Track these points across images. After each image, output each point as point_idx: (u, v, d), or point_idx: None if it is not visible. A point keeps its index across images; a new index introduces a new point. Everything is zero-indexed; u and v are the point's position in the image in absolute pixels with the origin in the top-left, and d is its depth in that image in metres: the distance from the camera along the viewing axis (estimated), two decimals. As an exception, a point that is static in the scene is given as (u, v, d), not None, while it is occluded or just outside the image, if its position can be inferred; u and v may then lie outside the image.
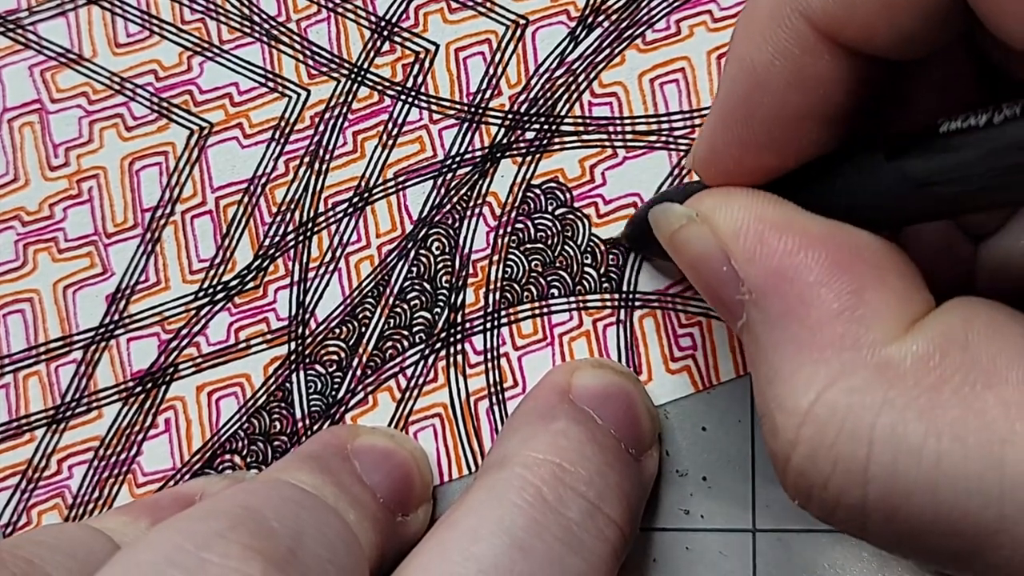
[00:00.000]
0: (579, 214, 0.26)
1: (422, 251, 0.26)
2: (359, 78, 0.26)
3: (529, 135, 0.26)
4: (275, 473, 0.22)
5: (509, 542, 0.19)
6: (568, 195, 0.26)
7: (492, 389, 0.25)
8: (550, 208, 0.26)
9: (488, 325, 0.25)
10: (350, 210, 0.26)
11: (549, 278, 0.25)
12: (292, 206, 0.26)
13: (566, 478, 0.21)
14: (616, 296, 0.25)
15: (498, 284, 0.25)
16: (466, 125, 0.26)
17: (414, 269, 0.26)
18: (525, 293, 0.25)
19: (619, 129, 0.26)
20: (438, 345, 0.25)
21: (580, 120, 0.26)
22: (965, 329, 0.16)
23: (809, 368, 0.17)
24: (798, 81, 0.17)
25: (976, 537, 0.15)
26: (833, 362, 0.16)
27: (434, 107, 0.26)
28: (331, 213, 0.26)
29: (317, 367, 0.25)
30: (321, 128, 0.26)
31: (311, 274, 0.26)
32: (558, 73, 0.26)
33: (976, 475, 0.15)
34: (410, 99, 0.26)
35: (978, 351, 0.16)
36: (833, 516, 0.17)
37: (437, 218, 0.26)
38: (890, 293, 0.17)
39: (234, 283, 0.26)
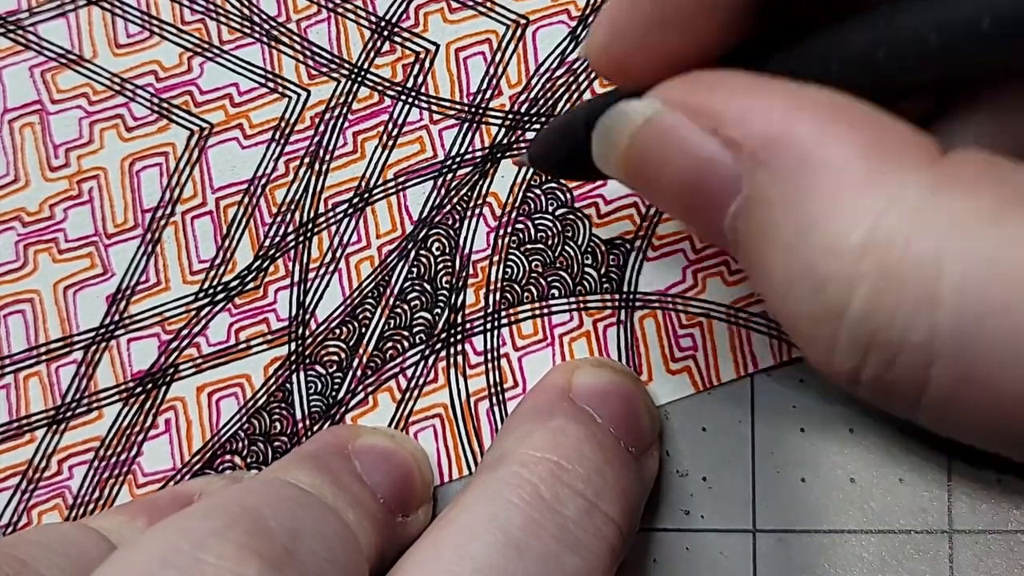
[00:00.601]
0: (579, 214, 0.25)
1: (422, 252, 0.26)
2: (359, 78, 0.26)
3: (530, 135, 0.26)
4: (274, 472, 0.22)
5: (504, 540, 0.19)
6: (568, 195, 0.26)
7: (492, 390, 0.25)
8: (550, 208, 0.26)
9: (488, 326, 0.25)
10: (350, 211, 0.26)
11: (549, 278, 0.25)
12: (292, 207, 0.26)
13: (564, 476, 0.20)
14: (616, 296, 0.25)
15: (498, 284, 0.25)
16: (466, 125, 0.26)
17: (414, 270, 0.26)
18: (525, 294, 0.25)
19: (619, 129, 0.26)
20: (438, 346, 0.25)
21: (580, 120, 0.26)
22: (987, 164, 0.15)
23: (854, 203, 0.15)
24: None
25: None
26: (879, 191, 0.15)
27: (434, 107, 0.26)
28: (331, 214, 0.26)
29: (317, 368, 0.25)
30: (321, 128, 0.26)
31: (311, 275, 0.26)
32: (559, 73, 0.26)
33: None
34: (410, 99, 0.26)
35: (1017, 181, 0.15)
36: (893, 368, 0.15)
37: (437, 218, 0.26)
38: (907, 130, 0.16)
39: (234, 284, 0.26)
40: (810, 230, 0.15)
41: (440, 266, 0.26)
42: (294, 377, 0.25)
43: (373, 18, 0.26)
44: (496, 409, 0.25)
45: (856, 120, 0.16)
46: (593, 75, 0.26)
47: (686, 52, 0.17)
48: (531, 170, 0.26)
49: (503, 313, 0.25)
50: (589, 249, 0.25)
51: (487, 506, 0.20)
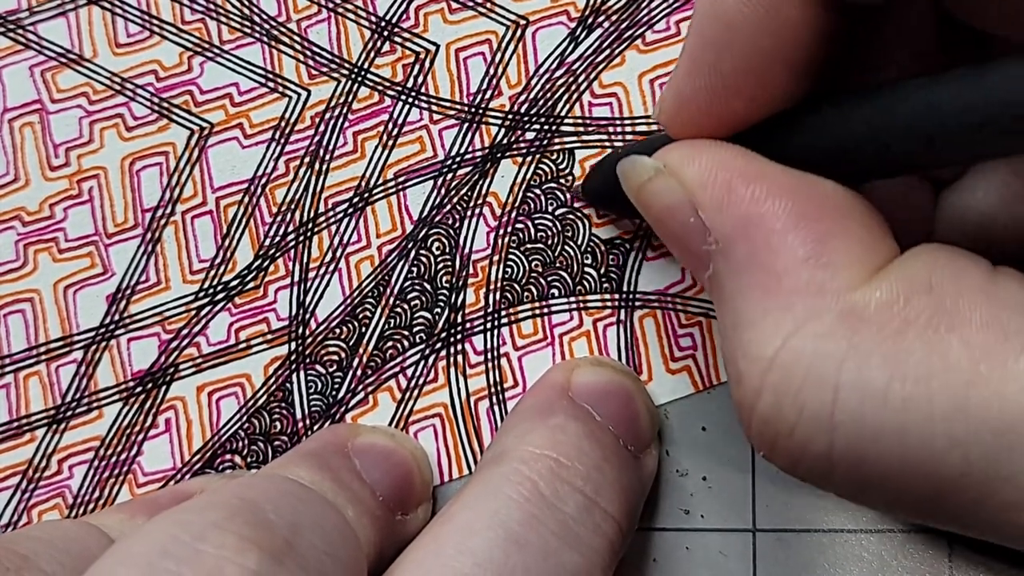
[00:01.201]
0: (579, 214, 0.26)
1: (422, 251, 0.26)
2: (359, 78, 0.26)
3: (529, 135, 0.26)
4: (274, 469, 0.22)
5: (504, 535, 0.19)
6: (568, 195, 0.26)
7: (492, 389, 0.25)
8: (550, 208, 0.26)
9: (488, 325, 0.25)
10: (350, 210, 0.26)
11: (549, 278, 0.25)
12: (292, 206, 0.26)
13: (563, 473, 0.20)
14: (616, 296, 0.25)
15: (498, 284, 0.26)
16: (466, 125, 0.26)
17: (414, 269, 0.26)
18: (525, 293, 0.25)
19: (619, 130, 0.26)
20: (438, 345, 0.25)
21: (580, 121, 0.26)
22: (928, 274, 0.16)
23: (775, 315, 0.17)
24: (768, 25, 0.17)
25: (942, 481, 0.15)
26: (798, 308, 0.16)
27: (434, 107, 0.26)
28: (331, 213, 0.26)
29: (317, 367, 0.25)
30: (321, 128, 0.26)
31: (311, 274, 0.26)
32: (558, 73, 0.26)
33: (942, 417, 0.15)
34: (410, 99, 0.26)
35: (941, 294, 0.16)
36: (799, 466, 0.17)
37: (437, 218, 0.26)
38: (855, 241, 0.17)
39: (234, 283, 0.26)
40: (738, 328, 0.17)
41: (440, 266, 0.26)
42: (294, 377, 0.25)
43: (373, 18, 0.26)
44: (496, 409, 0.25)
45: (811, 227, 0.17)
46: (593, 76, 0.26)
47: (750, 114, 0.19)
48: (531, 169, 0.26)
49: (503, 313, 0.25)
50: (589, 249, 0.25)
51: (487, 502, 0.20)
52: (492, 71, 0.26)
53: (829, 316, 0.16)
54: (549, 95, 0.26)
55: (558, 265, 0.25)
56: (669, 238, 0.19)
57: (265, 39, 0.26)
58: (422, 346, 0.25)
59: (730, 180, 0.18)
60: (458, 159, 0.26)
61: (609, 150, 0.26)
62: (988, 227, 0.19)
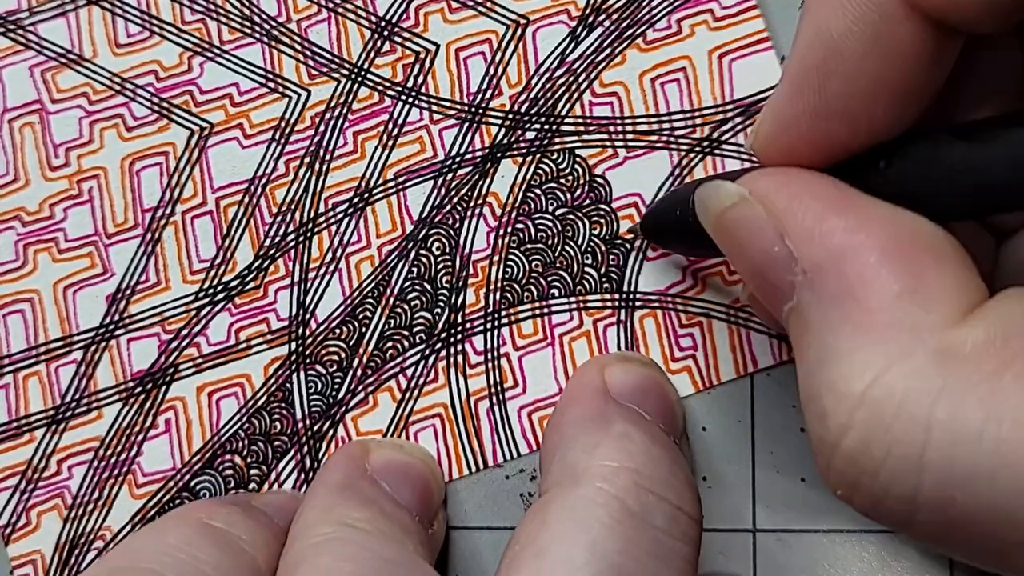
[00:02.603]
0: (579, 214, 0.26)
1: (422, 251, 0.26)
2: (359, 78, 0.26)
3: (530, 135, 0.26)
4: (323, 514, 0.22)
5: (607, 569, 0.19)
6: (568, 195, 0.26)
7: (492, 389, 0.25)
8: (550, 208, 0.26)
9: (488, 325, 0.25)
10: (350, 210, 0.26)
11: (549, 278, 0.25)
12: (292, 206, 0.26)
13: (645, 484, 0.20)
14: (616, 296, 0.25)
15: (498, 284, 0.25)
16: (466, 125, 0.26)
17: (414, 269, 0.26)
18: (525, 293, 0.25)
19: (620, 129, 0.26)
20: (438, 345, 0.25)
21: (581, 120, 0.26)
22: None
23: (866, 350, 0.16)
24: (876, 50, 0.17)
25: None
26: (892, 345, 0.16)
27: (434, 107, 0.26)
28: (331, 213, 0.26)
29: (317, 367, 0.25)
30: (321, 128, 0.26)
31: (311, 274, 0.26)
32: (559, 73, 0.26)
33: None
34: (410, 99, 0.26)
35: None
36: (880, 507, 0.16)
37: (437, 218, 0.26)
38: (949, 278, 0.16)
39: (234, 283, 0.26)
40: (825, 363, 0.17)
41: (440, 266, 0.26)
42: (294, 377, 0.25)
43: (373, 18, 0.26)
44: (496, 409, 0.25)
45: (906, 262, 0.16)
46: (593, 75, 0.26)
47: (850, 142, 0.18)
48: (531, 169, 0.26)
49: (503, 313, 0.25)
50: (589, 249, 0.25)
51: (581, 532, 0.19)
52: (492, 71, 0.26)
53: (924, 354, 0.16)
54: (549, 94, 0.26)
55: (558, 265, 0.25)
56: (749, 269, 0.19)
57: (265, 39, 0.26)
58: (422, 346, 0.25)
59: (822, 210, 0.17)
60: (458, 159, 0.26)
61: (610, 149, 0.25)
62: None
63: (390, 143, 0.26)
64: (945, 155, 0.17)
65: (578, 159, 0.26)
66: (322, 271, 0.26)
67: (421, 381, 0.25)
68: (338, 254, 0.26)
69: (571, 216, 0.26)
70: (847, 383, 0.16)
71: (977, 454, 0.15)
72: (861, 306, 0.16)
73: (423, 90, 0.26)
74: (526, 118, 0.26)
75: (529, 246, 0.26)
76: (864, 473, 0.16)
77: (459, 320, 0.25)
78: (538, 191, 0.26)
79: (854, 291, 0.16)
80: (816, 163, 0.18)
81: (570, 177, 0.26)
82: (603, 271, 0.25)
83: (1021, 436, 0.15)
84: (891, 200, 0.17)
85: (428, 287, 0.26)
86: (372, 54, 0.26)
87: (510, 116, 0.26)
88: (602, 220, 0.25)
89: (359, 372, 0.25)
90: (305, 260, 0.26)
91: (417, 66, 0.26)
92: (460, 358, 0.25)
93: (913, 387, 0.16)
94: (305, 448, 0.25)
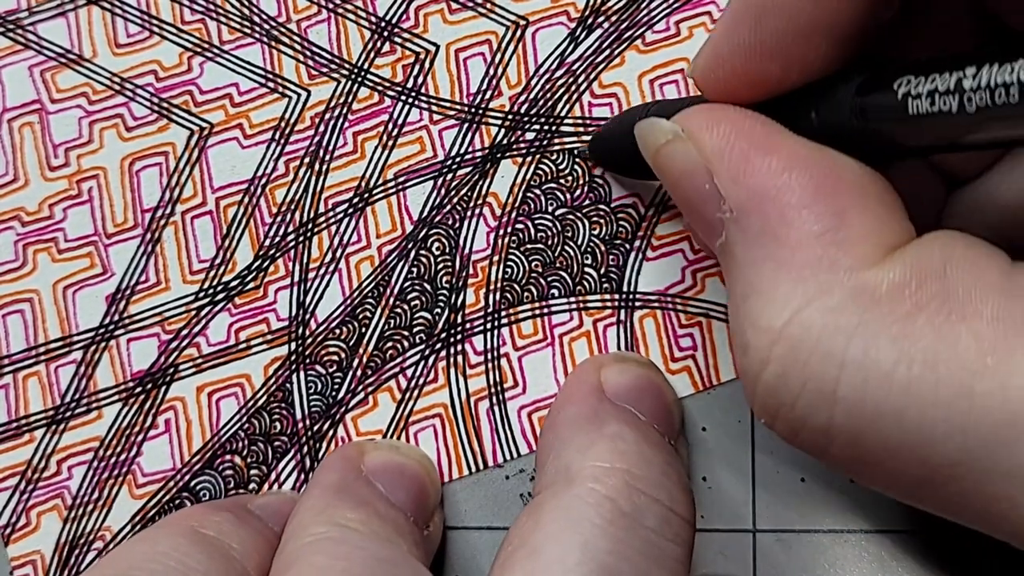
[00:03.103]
0: (579, 215, 0.26)
1: (422, 251, 0.26)
2: (359, 79, 0.26)
3: (529, 136, 0.26)
4: (315, 514, 0.22)
5: (598, 569, 0.19)
6: (568, 195, 0.26)
7: (492, 389, 0.25)
8: (550, 208, 0.26)
9: (488, 325, 0.25)
10: (350, 210, 0.26)
11: (549, 278, 0.25)
12: (292, 206, 0.26)
13: (637, 484, 0.20)
14: (616, 296, 0.25)
15: (498, 284, 0.25)
16: (466, 126, 0.26)
17: (414, 269, 0.26)
18: (525, 293, 0.25)
19: (619, 130, 0.26)
20: (438, 345, 0.25)
21: (580, 121, 0.26)
22: (943, 260, 0.16)
23: (785, 287, 0.17)
24: None
25: (937, 467, 0.15)
26: (810, 282, 0.16)
27: (434, 108, 0.26)
28: (331, 213, 0.26)
29: (317, 367, 0.25)
30: (321, 129, 0.26)
31: (311, 274, 0.26)
32: (558, 74, 0.26)
33: (944, 403, 0.15)
34: (410, 100, 0.26)
35: (955, 282, 0.16)
36: (798, 437, 0.17)
37: (437, 218, 0.26)
38: (871, 218, 0.17)
39: (234, 283, 0.26)
40: (748, 299, 0.17)
41: (440, 266, 0.26)
42: (294, 377, 0.25)
43: (373, 18, 0.26)
44: (496, 409, 0.25)
45: (828, 202, 0.17)
46: (593, 76, 0.26)
47: (783, 79, 0.18)
48: (531, 169, 0.26)
49: (503, 313, 0.25)
50: (589, 249, 0.25)
51: (573, 533, 0.19)
52: (492, 71, 0.26)
53: (840, 292, 0.16)
54: (549, 95, 0.26)
55: (558, 265, 0.25)
56: (683, 203, 0.19)
57: (265, 39, 0.26)
58: (422, 346, 0.25)
59: (748, 150, 0.18)
60: (458, 159, 0.26)
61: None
62: (1010, 221, 0.19)
63: (390, 143, 0.26)
64: (874, 94, 0.17)
65: (578, 159, 0.26)
66: (322, 271, 0.26)
67: (421, 381, 0.25)
68: (338, 254, 0.26)
69: (571, 216, 0.26)
70: (767, 319, 0.17)
71: (887, 392, 0.15)
72: (782, 245, 0.17)
73: (423, 90, 0.26)
74: (526, 119, 0.26)
75: (529, 246, 0.26)
76: (782, 405, 0.17)
77: (459, 320, 0.25)
78: (538, 191, 0.26)
79: (776, 230, 0.17)
80: (749, 99, 0.19)
81: (570, 177, 0.26)
82: (603, 271, 0.25)
83: (930, 377, 0.15)
84: (821, 140, 0.18)
85: (428, 287, 0.26)
86: (372, 54, 0.26)
87: (510, 117, 0.26)
88: (602, 220, 0.25)
89: (359, 372, 0.25)
90: (305, 260, 0.26)
91: (417, 67, 0.26)
92: (460, 358, 0.25)
93: (829, 324, 0.16)
94: (305, 448, 0.25)
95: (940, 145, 0.16)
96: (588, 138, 0.26)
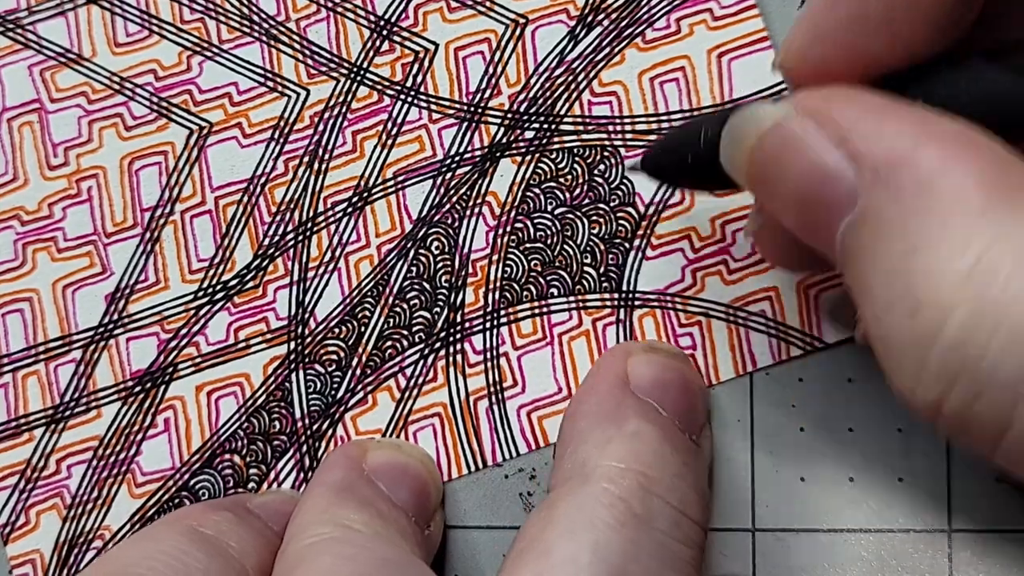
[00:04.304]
0: (578, 214, 0.25)
1: (422, 251, 0.26)
2: (358, 78, 0.26)
3: (529, 134, 0.26)
4: (317, 514, 0.22)
5: (608, 570, 0.19)
6: (567, 195, 0.26)
7: (492, 389, 0.25)
8: (549, 208, 0.26)
9: (488, 325, 0.25)
10: (349, 210, 0.26)
11: (548, 278, 0.25)
12: (292, 206, 0.26)
13: (651, 487, 0.20)
14: (616, 296, 0.25)
15: (498, 284, 0.25)
16: (465, 125, 0.26)
17: (414, 269, 0.26)
18: (525, 293, 0.25)
19: (619, 128, 0.26)
20: (438, 345, 0.25)
21: (580, 119, 0.26)
22: None
23: (962, 232, 0.15)
24: None
25: None
26: (988, 222, 0.15)
27: (433, 106, 0.26)
28: (330, 213, 0.26)
29: (317, 367, 0.25)
30: (320, 128, 0.26)
31: (311, 274, 0.26)
32: (558, 72, 0.26)
33: None
34: (409, 98, 0.26)
35: None
36: (978, 402, 0.15)
37: (437, 218, 0.26)
38: None
39: (233, 283, 0.26)
40: (916, 253, 0.16)
41: (439, 265, 0.26)
42: (293, 376, 0.25)
43: (372, 17, 0.26)
44: (495, 408, 0.25)
45: (980, 154, 0.16)
46: (592, 74, 0.26)
47: (887, 56, 0.17)
48: (530, 168, 0.26)
49: (502, 312, 0.25)
50: (588, 248, 0.25)
51: (586, 532, 0.19)
52: (491, 70, 0.26)
53: None
54: (548, 94, 0.26)
55: (557, 264, 0.25)
56: (792, 193, 0.18)
57: (264, 38, 0.26)
58: (421, 346, 0.25)
59: (880, 111, 0.16)
60: (457, 158, 0.26)
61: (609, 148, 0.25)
62: None
63: (389, 142, 0.26)
64: (976, 79, 0.17)
65: (577, 159, 0.26)
66: (321, 270, 0.26)
67: (420, 380, 0.25)
68: (337, 253, 0.26)
69: (570, 215, 0.25)
70: (948, 265, 0.15)
71: None
72: (948, 193, 0.16)
73: (422, 89, 0.26)
74: (525, 117, 0.26)
75: (528, 245, 0.26)
76: (969, 357, 0.15)
77: (458, 319, 0.25)
78: (537, 190, 0.26)
79: (935, 180, 0.16)
80: (851, 80, 0.18)
81: (569, 176, 0.26)
82: (602, 270, 0.25)
83: None
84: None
85: (427, 286, 0.26)
86: (371, 53, 0.26)
87: (509, 115, 0.26)
88: (601, 220, 0.25)
89: (358, 371, 0.25)
90: (304, 259, 0.26)
91: (416, 65, 0.26)
92: (459, 357, 0.25)
93: (1020, 262, 0.15)
94: (304, 447, 0.25)
95: None
96: (638, 152, 0.25)
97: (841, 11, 0.17)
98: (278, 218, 0.26)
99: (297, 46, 0.26)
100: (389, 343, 0.25)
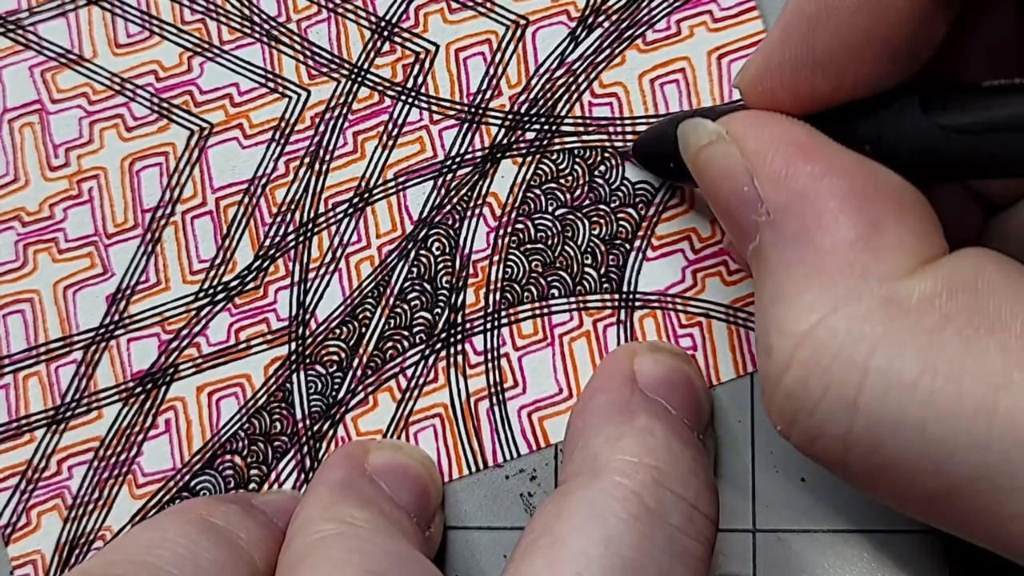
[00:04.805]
0: (579, 215, 0.26)
1: (422, 251, 0.26)
2: (359, 78, 0.26)
3: (529, 135, 0.26)
4: (320, 511, 0.22)
5: (620, 565, 0.19)
6: (568, 196, 0.26)
7: (492, 389, 0.25)
8: (550, 208, 0.26)
9: (488, 325, 0.25)
10: (350, 210, 0.26)
11: (549, 278, 0.25)
12: (292, 206, 0.26)
13: (664, 481, 0.20)
14: (616, 296, 0.25)
15: (498, 284, 0.25)
16: (466, 125, 0.26)
17: (414, 269, 0.26)
18: (525, 293, 0.25)
19: (619, 129, 0.26)
20: (438, 345, 0.25)
21: (580, 120, 0.26)
22: (975, 275, 0.16)
23: (816, 291, 0.17)
24: (868, 5, 0.17)
25: (955, 482, 0.15)
26: (840, 288, 0.16)
27: (434, 107, 0.26)
28: (331, 213, 0.26)
29: (317, 367, 0.25)
30: (321, 128, 0.26)
31: (311, 274, 0.26)
32: (558, 73, 0.26)
33: (967, 416, 0.15)
34: (410, 99, 0.26)
35: (985, 297, 0.16)
36: (815, 444, 0.17)
37: (437, 218, 0.26)
38: (907, 230, 0.17)
39: (234, 283, 0.26)
40: (776, 301, 0.17)
41: (440, 266, 0.26)
42: (294, 377, 0.25)
43: (373, 18, 0.26)
44: (496, 409, 0.25)
45: (865, 210, 0.17)
46: (593, 75, 0.26)
47: (834, 94, 0.18)
48: (531, 169, 0.26)
49: (503, 313, 0.25)
50: (589, 249, 0.25)
51: (597, 526, 0.20)
52: (492, 71, 0.26)
53: (869, 300, 0.16)
54: (549, 95, 0.26)
55: (558, 265, 0.25)
56: (719, 205, 0.19)
57: (265, 39, 0.26)
58: (422, 346, 0.25)
59: (791, 153, 0.18)
60: (458, 159, 0.26)
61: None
62: None
63: (390, 143, 0.26)
64: (915, 115, 0.17)
65: (578, 160, 0.26)
66: (322, 271, 0.26)
67: (421, 381, 0.25)
68: (338, 254, 0.26)
69: (571, 216, 0.26)
70: (793, 322, 0.17)
71: (909, 403, 0.15)
72: (816, 249, 0.17)
73: (423, 90, 0.26)
74: (526, 118, 0.26)
75: (529, 246, 0.26)
76: (801, 410, 0.17)
77: (459, 320, 0.25)
78: (538, 191, 0.26)
79: (811, 234, 0.17)
80: (796, 111, 0.19)
81: (570, 177, 0.26)
82: (603, 271, 0.25)
83: (953, 390, 0.15)
84: (862, 154, 0.18)
85: (428, 287, 0.26)
86: (372, 54, 0.26)
87: (510, 116, 0.26)
88: (602, 220, 0.25)
89: (359, 372, 0.25)
90: (305, 260, 0.26)
91: (417, 66, 0.26)
92: (460, 358, 0.25)
93: (855, 331, 0.16)
94: (305, 448, 0.25)
95: (1008, 163, 0.16)
96: (632, 137, 0.25)
97: (789, 52, 0.18)
98: (279, 219, 0.26)
99: (298, 47, 0.26)
100: (390, 344, 0.25)
